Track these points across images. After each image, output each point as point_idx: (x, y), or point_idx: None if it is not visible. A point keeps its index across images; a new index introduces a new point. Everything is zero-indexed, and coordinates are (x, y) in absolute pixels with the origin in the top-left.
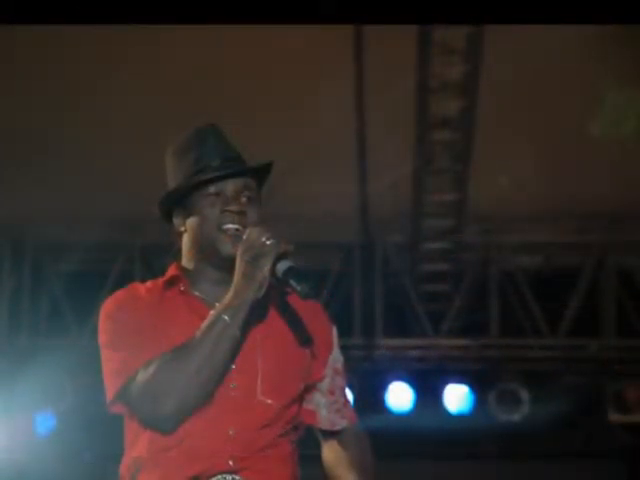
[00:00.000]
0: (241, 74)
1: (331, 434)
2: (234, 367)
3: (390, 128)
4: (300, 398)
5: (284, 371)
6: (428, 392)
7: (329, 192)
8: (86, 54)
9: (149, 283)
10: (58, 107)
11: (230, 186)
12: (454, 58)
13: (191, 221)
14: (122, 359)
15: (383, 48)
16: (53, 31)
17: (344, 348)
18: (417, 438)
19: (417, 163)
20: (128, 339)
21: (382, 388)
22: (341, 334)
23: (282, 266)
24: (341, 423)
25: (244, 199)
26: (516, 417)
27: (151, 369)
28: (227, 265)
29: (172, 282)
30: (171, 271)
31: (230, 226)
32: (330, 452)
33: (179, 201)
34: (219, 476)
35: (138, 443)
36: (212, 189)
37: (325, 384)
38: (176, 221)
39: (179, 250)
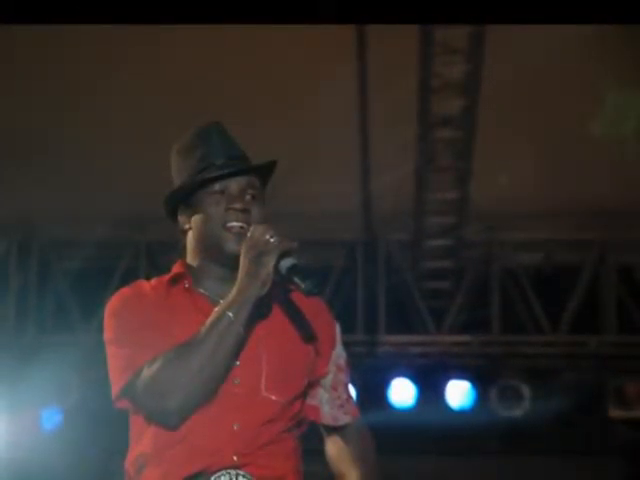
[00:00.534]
0: (242, 74)
1: (334, 429)
2: (238, 364)
3: (392, 127)
4: (304, 394)
5: (288, 367)
6: (430, 388)
7: (332, 190)
8: (86, 54)
9: (154, 280)
10: (60, 107)
11: (234, 184)
12: (455, 57)
13: (196, 219)
14: (127, 355)
15: (385, 48)
16: (53, 31)
17: (347, 344)
18: (419, 433)
19: (419, 161)
20: (133, 336)
21: (385, 384)
22: (344, 331)
23: (286, 263)
24: (344, 419)
25: (248, 197)
26: (517, 413)
27: (156, 365)
28: (231, 262)
29: (177, 279)
30: (176, 268)
31: (234, 224)
32: (333, 447)
33: (184, 199)
34: (223, 471)
35: (143, 438)
36: (216, 187)
37: (328, 380)
38: (181, 219)
39: (184, 247)
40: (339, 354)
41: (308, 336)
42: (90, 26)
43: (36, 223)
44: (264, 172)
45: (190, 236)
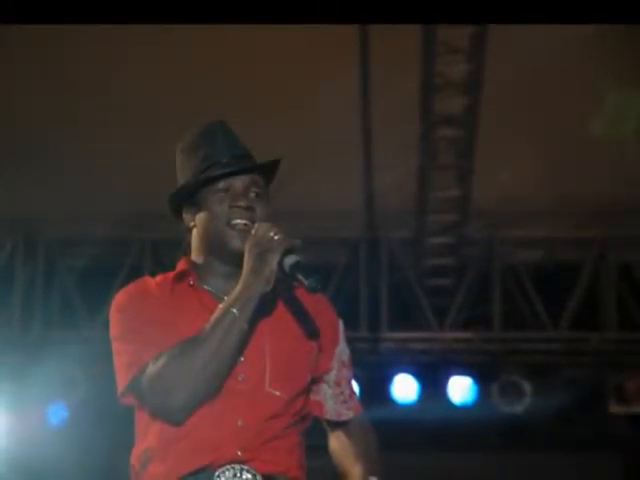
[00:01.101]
0: (244, 74)
1: (338, 425)
2: (242, 360)
3: (394, 125)
4: (307, 390)
5: (292, 363)
6: (432, 384)
7: (335, 189)
8: (86, 54)
9: (159, 277)
10: (60, 106)
11: (239, 182)
12: (457, 57)
13: (200, 217)
14: (133, 352)
15: (387, 47)
16: (53, 31)
17: (350, 341)
18: (421, 429)
19: (421, 160)
20: (139, 332)
21: (387, 380)
22: (347, 327)
23: (289, 261)
24: (347, 414)
25: (252, 195)
26: (518, 409)
27: (161, 362)
28: (236, 260)
29: (182, 276)
30: (181, 265)
31: (239, 221)
32: (337, 442)
33: (189, 197)
34: (228, 466)
35: (148, 434)
36: (221, 185)
37: (332, 376)
38: (186, 217)
39: (188, 245)
40: (342, 350)
41: (312, 333)
42: (90, 26)
43: (42, 222)
44: (268, 170)
45: (195, 234)
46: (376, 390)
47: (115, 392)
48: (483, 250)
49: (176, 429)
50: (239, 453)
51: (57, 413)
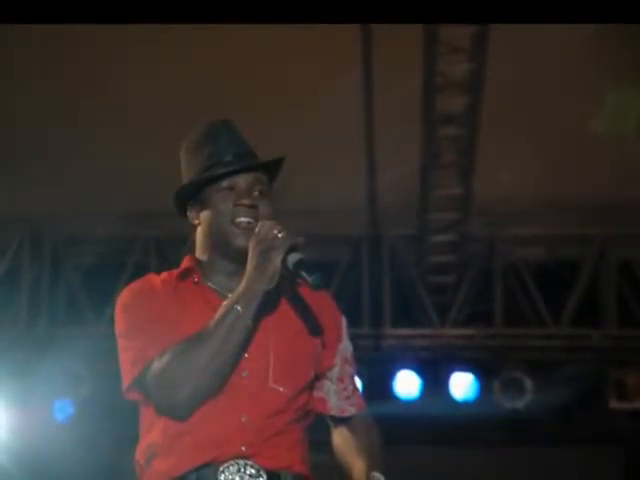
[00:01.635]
0: (248, 74)
1: (341, 421)
2: (246, 356)
3: (397, 124)
4: (311, 386)
5: (295, 360)
6: (434, 380)
7: (338, 187)
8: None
9: (164, 275)
10: (66, 105)
11: (242, 181)
12: (459, 56)
13: (205, 214)
14: (138, 348)
15: (390, 47)
16: (53, 31)
17: (353, 337)
18: (424, 424)
19: (423, 158)
20: (143, 329)
21: (390, 376)
22: (350, 324)
23: (293, 258)
24: (350, 410)
25: (256, 193)
26: (520, 404)
27: (166, 358)
28: (240, 257)
29: (186, 274)
30: (185, 263)
31: (242, 219)
32: (340, 438)
33: (193, 195)
34: (232, 462)
35: (153, 429)
36: (225, 183)
37: (335, 372)
38: (190, 215)
39: (193, 243)
40: (345, 347)
41: (315, 329)
42: (90, 26)
43: (47, 221)
44: (272, 169)
45: (199, 231)
46: (379, 386)
47: (120, 388)
48: (484, 248)
49: (180, 425)
50: (243, 449)
51: (63, 409)
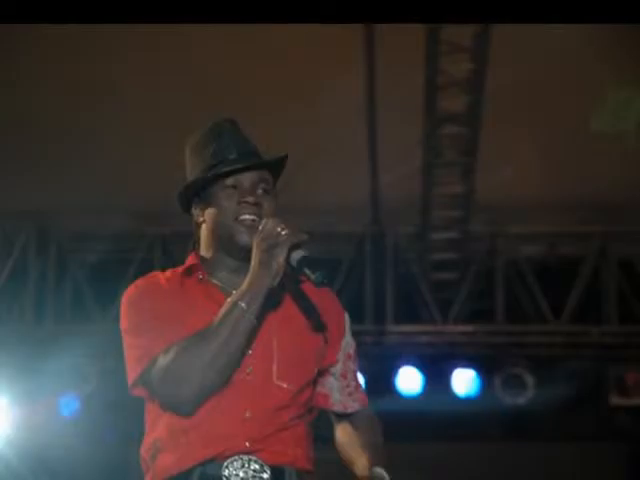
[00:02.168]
0: (256, 73)
1: (344, 416)
2: (250, 352)
3: (399, 123)
4: (314, 382)
5: (299, 356)
6: (437, 376)
7: (342, 185)
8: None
9: (169, 272)
10: (76, 102)
11: (247, 179)
12: (461, 56)
13: (209, 212)
14: (143, 345)
15: (392, 47)
16: (53, 30)
17: (356, 334)
18: (426, 420)
19: (426, 157)
20: (148, 325)
21: (392, 372)
22: (353, 320)
23: (296, 255)
24: (353, 406)
25: (260, 191)
26: (521, 400)
27: (170, 354)
28: (244, 254)
29: (191, 271)
30: (190, 260)
31: (247, 217)
32: (343, 433)
33: (197, 193)
34: (236, 457)
35: (158, 425)
36: (229, 181)
37: (338, 368)
38: (195, 212)
39: (198, 240)
40: (348, 343)
41: (318, 326)
42: (90, 26)
43: (53, 217)
44: (275, 167)
45: (204, 229)
46: (381, 382)
47: (125, 384)
48: (486, 245)
49: (185, 420)
50: (247, 444)
51: (68, 404)
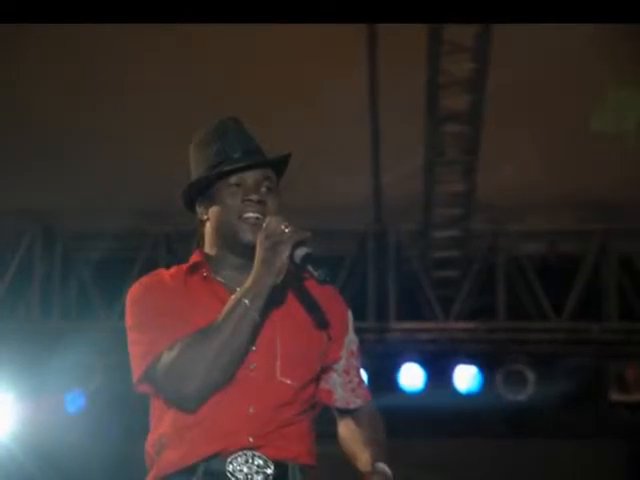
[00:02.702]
0: (259, 74)
1: (346, 412)
2: (254, 349)
3: (402, 122)
4: (317, 378)
5: (302, 353)
6: (438, 373)
7: (344, 183)
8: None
9: (173, 269)
10: (77, 102)
11: (250, 177)
12: (463, 55)
13: (213, 210)
14: (147, 342)
15: (394, 46)
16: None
17: (359, 331)
18: (428, 416)
19: (428, 155)
20: (153, 322)
21: (395, 369)
22: (356, 317)
23: (300, 253)
24: (356, 402)
25: (264, 189)
26: (522, 396)
27: (175, 351)
28: (247, 252)
29: (195, 268)
30: (194, 258)
31: (250, 215)
32: (345, 429)
33: (201, 191)
34: (240, 452)
35: (163, 421)
36: (233, 180)
37: (341, 365)
38: (199, 210)
39: (202, 238)
40: (351, 340)
41: (321, 323)
42: (90, 26)
43: (59, 216)
44: (279, 165)
45: (208, 227)
46: (384, 379)
47: (130, 380)
48: (487, 243)
49: (189, 416)
50: (250, 440)
51: (74, 401)
